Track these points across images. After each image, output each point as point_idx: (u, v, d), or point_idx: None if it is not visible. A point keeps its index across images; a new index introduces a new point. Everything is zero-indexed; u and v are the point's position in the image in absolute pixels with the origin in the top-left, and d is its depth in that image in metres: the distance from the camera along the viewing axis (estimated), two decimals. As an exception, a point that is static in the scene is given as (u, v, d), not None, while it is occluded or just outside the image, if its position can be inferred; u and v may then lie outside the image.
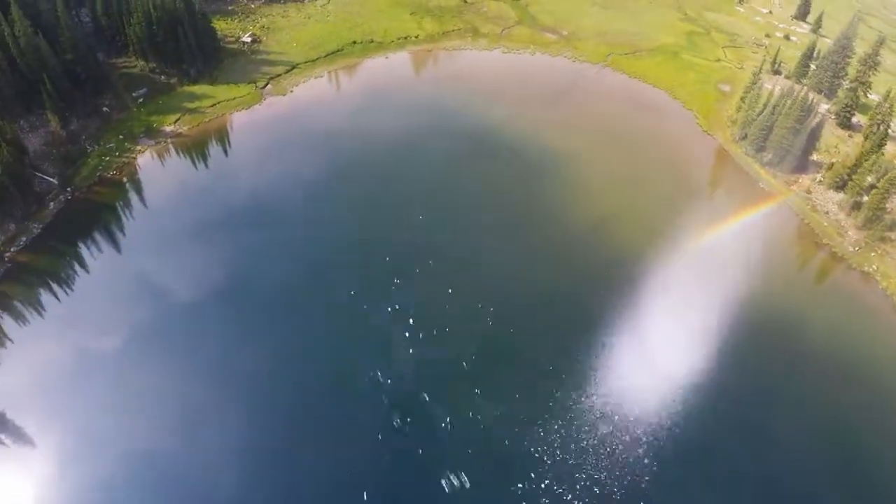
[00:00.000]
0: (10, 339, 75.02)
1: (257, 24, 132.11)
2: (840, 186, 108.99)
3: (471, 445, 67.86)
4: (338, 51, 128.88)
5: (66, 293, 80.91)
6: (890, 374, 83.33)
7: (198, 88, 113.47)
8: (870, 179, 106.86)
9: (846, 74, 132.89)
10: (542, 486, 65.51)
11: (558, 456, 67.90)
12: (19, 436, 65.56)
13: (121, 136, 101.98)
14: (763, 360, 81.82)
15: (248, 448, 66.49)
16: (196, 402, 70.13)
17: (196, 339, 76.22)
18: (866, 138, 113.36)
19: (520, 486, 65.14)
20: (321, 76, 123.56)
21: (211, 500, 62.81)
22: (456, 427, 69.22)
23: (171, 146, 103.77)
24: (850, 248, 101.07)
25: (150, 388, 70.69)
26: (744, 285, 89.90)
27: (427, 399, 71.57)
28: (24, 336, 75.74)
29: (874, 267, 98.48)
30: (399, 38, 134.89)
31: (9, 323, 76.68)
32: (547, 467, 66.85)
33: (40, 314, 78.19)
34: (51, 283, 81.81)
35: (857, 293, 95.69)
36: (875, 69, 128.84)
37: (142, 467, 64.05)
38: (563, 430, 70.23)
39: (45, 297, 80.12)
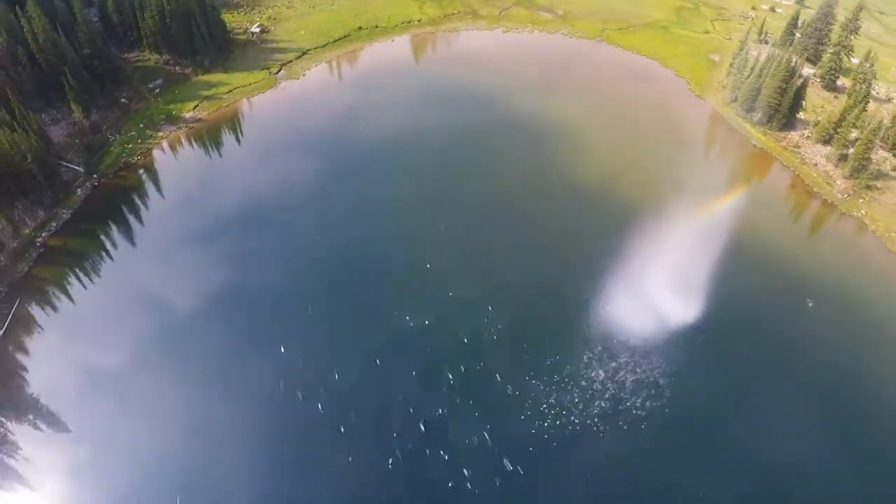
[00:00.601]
0: (44, 322, 75.80)
1: (264, 16, 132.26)
2: (826, 141, 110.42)
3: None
4: (345, 37, 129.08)
5: (99, 273, 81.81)
6: (882, 305, 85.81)
7: (212, 77, 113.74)
8: (854, 134, 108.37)
9: (829, 40, 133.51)
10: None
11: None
12: (54, 420, 66.28)
13: (141, 125, 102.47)
14: (763, 297, 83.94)
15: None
16: (236, 372, 70.94)
17: (231, 313, 76.97)
18: (850, 97, 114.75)
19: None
20: (331, 60, 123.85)
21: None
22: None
23: (192, 131, 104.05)
24: (840, 196, 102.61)
25: (187, 361, 71.66)
26: (743, 230, 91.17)
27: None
28: (59, 317, 76.66)
29: (863, 212, 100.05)
30: (402, 23, 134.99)
31: (44, 304, 77.52)
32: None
33: (75, 294, 78.90)
34: (84, 263, 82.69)
35: (849, 236, 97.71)
36: (856, 33, 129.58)
37: (184, 442, 64.85)
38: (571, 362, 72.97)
39: (78, 277, 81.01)
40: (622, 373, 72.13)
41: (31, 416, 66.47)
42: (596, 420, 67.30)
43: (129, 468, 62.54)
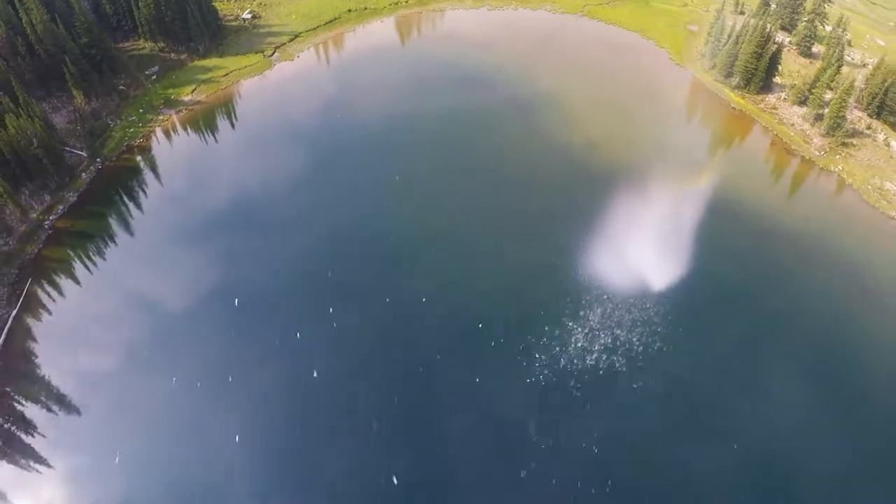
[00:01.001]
0: (55, 300, 76.77)
1: (254, 2, 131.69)
2: (802, 102, 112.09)
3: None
4: (335, 19, 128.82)
5: (107, 252, 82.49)
6: (860, 250, 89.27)
7: (208, 62, 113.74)
8: (829, 95, 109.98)
9: (804, 9, 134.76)
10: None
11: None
12: (67, 396, 67.15)
13: (141, 110, 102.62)
14: (748, 245, 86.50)
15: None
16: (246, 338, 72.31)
17: (239, 282, 77.96)
18: (823, 60, 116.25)
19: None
20: (324, 42, 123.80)
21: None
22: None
23: (192, 112, 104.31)
24: (817, 153, 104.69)
25: (198, 332, 73.22)
26: (726, 185, 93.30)
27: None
28: (69, 295, 77.52)
29: (840, 167, 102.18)
30: (391, 4, 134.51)
31: (55, 283, 78.34)
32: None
33: (84, 273, 79.77)
34: (92, 243, 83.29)
35: (828, 189, 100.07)
36: (830, 1, 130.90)
37: (202, 411, 66.02)
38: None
39: (87, 257, 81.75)
40: (605, 329, 73.82)
41: (44, 392, 67.25)
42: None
43: (144, 441, 63.12)
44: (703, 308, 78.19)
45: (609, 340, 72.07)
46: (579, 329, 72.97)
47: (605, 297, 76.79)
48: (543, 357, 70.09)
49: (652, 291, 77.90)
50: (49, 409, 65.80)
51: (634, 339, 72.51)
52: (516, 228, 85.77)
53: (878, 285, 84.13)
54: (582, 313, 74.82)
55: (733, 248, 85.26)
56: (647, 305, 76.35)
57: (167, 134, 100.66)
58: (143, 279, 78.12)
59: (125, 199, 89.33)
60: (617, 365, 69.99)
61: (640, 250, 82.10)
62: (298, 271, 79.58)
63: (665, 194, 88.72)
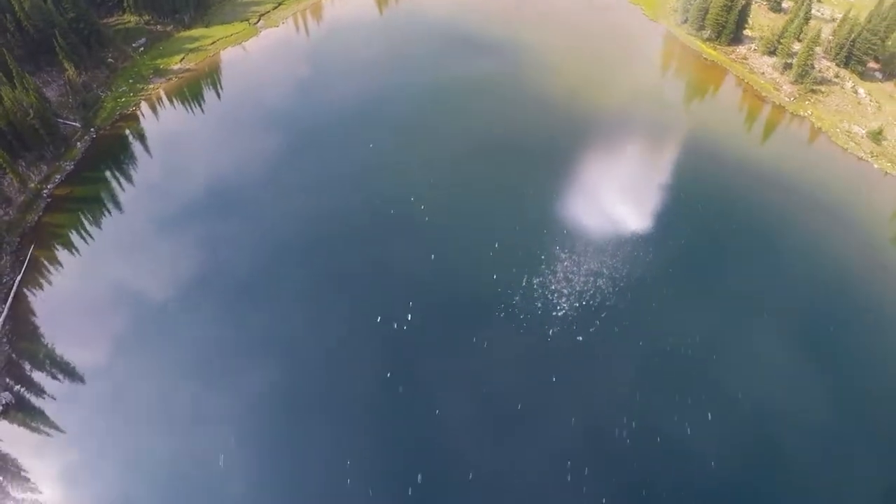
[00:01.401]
0: (59, 264, 77.18)
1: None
2: (772, 52, 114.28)
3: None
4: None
5: (107, 215, 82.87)
6: (833, 187, 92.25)
7: (194, 32, 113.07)
8: (797, 46, 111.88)
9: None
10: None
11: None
12: (72, 361, 67.35)
13: (131, 80, 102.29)
14: (725, 185, 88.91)
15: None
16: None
17: (239, 238, 79.14)
18: (791, 12, 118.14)
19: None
20: (307, 9, 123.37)
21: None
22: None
23: (182, 80, 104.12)
24: (787, 99, 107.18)
25: (200, 293, 73.52)
26: (701, 128, 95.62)
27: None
28: (73, 259, 77.89)
29: (809, 112, 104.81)
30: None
31: (58, 248, 78.71)
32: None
33: (86, 236, 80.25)
34: (91, 207, 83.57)
35: (798, 132, 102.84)
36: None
37: (208, 377, 66.29)
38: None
39: (87, 220, 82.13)
40: (582, 268, 75.93)
41: (52, 354, 67.75)
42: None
43: (153, 402, 63.75)
44: (684, 244, 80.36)
45: (588, 279, 74.27)
46: (560, 272, 74.82)
47: (583, 236, 78.93)
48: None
49: (630, 230, 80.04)
50: (57, 371, 66.34)
51: (613, 277, 74.71)
52: (503, 174, 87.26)
53: (850, 218, 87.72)
54: (558, 255, 76.78)
55: (710, 186, 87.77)
56: (626, 245, 78.45)
57: (159, 101, 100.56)
58: (144, 239, 78.70)
59: (121, 164, 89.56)
60: (593, 299, 72.39)
61: (619, 190, 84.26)
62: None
63: (642, 137, 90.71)
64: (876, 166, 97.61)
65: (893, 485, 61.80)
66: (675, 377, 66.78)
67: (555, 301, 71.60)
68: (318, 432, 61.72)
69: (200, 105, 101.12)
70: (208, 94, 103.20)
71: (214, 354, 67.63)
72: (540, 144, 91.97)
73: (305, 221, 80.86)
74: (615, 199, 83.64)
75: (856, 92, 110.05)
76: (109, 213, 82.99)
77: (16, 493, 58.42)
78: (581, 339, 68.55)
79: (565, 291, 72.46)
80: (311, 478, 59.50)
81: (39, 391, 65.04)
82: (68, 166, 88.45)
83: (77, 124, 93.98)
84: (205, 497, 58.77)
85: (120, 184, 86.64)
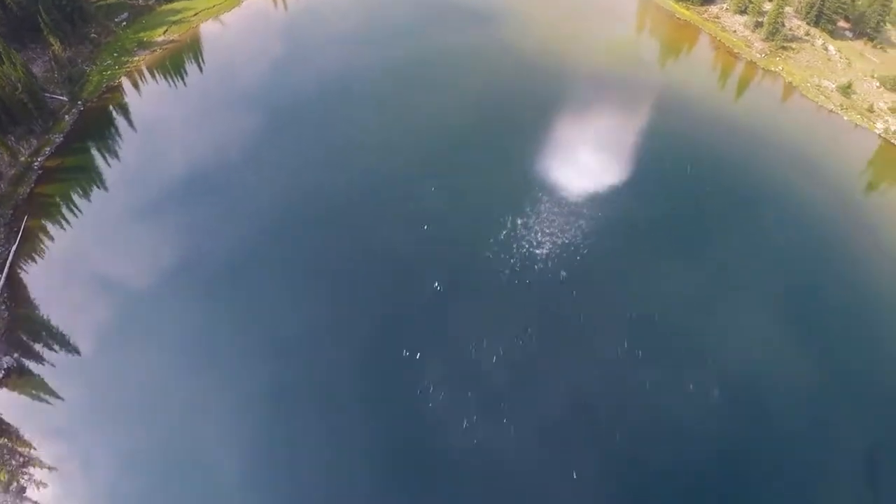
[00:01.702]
0: (53, 234, 77.34)
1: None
2: (743, 11, 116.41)
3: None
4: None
5: (99, 183, 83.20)
6: (805, 137, 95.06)
7: (176, 5, 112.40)
8: (767, 6, 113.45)
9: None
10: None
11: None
12: (68, 333, 67.35)
13: (115, 54, 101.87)
14: (700, 137, 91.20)
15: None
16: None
17: (232, 207, 79.29)
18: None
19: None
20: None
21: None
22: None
23: (167, 51, 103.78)
24: (758, 55, 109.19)
25: (196, 260, 73.59)
26: (678, 86, 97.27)
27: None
28: (67, 228, 78.20)
29: (780, 68, 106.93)
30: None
31: (51, 217, 78.84)
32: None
33: (79, 204, 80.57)
34: (83, 176, 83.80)
35: (770, 86, 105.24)
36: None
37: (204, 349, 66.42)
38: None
39: (80, 189, 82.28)
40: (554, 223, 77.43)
41: (50, 322, 68.02)
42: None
43: (153, 369, 64.00)
44: (660, 196, 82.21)
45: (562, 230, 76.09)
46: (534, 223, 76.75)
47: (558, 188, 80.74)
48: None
49: (609, 186, 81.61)
50: (56, 338, 66.74)
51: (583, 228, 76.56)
52: (481, 126, 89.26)
53: (823, 168, 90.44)
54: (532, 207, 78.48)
55: (685, 138, 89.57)
56: (603, 202, 79.97)
57: (145, 72, 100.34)
58: (136, 207, 78.96)
59: (110, 134, 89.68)
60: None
61: (594, 143, 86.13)
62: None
63: (620, 95, 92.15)
64: (846, 118, 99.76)
65: (874, 449, 62.28)
66: (652, 341, 67.45)
67: (530, 256, 73.23)
68: (311, 396, 62.64)
69: (186, 75, 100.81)
70: (193, 64, 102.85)
71: (216, 322, 68.20)
72: (522, 107, 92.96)
73: (292, 183, 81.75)
74: (593, 156, 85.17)
75: (826, 49, 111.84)
76: (100, 182, 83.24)
77: (15, 458, 58.98)
78: (553, 311, 69.41)
79: (543, 252, 74.06)
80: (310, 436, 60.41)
81: (38, 357, 65.56)
82: (57, 139, 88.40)
83: (64, 98, 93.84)
84: (203, 463, 58.99)
85: (110, 153, 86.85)
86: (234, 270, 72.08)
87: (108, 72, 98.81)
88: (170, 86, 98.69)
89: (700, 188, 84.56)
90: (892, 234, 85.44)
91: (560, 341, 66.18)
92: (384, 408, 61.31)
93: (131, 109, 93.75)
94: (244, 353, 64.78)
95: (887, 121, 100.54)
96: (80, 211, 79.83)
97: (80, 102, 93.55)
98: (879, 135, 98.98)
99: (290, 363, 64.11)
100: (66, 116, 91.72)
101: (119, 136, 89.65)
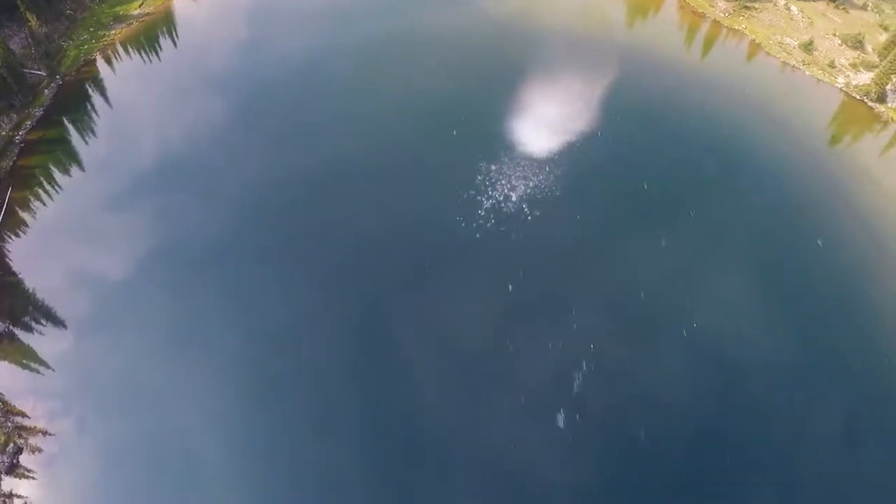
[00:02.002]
0: (38, 204, 77.89)
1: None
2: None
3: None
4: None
5: (82, 152, 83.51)
6: (768, 90, 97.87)
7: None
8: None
9: None
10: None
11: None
12: (53, 303, 67.72)
13: (92, 28, 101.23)
14: (664, 89, 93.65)
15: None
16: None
17: (215, 171, 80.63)
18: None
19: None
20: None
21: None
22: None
23: (143, 23, 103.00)
24: (722, 15, 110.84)
25: (181, 224, 74.83)
26: (645, 43, 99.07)
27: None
28: (52, 197, 78.62)
29: (744, 26, 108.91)
30: None
31: (36, 188, 79.14)
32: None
33: (63, 175, 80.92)
34: (66, 147, 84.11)
35: (734, 43, 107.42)
36: None
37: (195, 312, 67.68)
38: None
39: (63, 159, 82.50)
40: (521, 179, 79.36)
41: (38, 293, 68.46)
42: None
43: (143, 341, 64.77)
44: (630, 151, 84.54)
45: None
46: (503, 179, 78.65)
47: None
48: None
49: (576, 143, 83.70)
50: (41, 311, 67.21)
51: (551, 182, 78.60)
52: (455, 86, 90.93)
53: (787, 120, 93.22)
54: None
55: (652, 93, 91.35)
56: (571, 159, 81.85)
57: (122, 45, 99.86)
58: (120, 177, 79.48)
59: (91, 105, 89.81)
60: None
61: (565, 99, 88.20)
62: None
63: (589, 52, 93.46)
64: (808, 73, 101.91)
65: (853, 413, 63.77)
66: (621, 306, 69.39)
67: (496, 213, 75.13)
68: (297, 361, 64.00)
69: (164, 46, 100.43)
70: (171, 34, 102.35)
71: (204, 292, 68.95)
72: (494, 66, 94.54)
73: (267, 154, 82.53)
74: (563, 111, 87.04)
75: (788, 9, 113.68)
76: (82, 154, 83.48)
77: (10, 421, 59.96)
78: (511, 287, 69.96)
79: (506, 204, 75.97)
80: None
81: (27, 327, 66.20)
82: (38, 112, 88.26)
83: (42, 73, 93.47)
84: (190, 428, 59.72)
85: (91, 124, 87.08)
86: (217, 242, 72.97)
87: (86, 46, 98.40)
88: (148, 57, 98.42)
89: (669, 143, 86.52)
90: (858, 188, 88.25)
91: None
92: (374, 388, 62.07)
93: (109, 82, 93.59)
94: (226, 323, 65.95)
95: (848, 76, 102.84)
96: (63, 183, 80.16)
97: (58, 77, 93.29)
98: (841, 89, 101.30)
99: (275, 341, 64.72)
100: (46, 91, 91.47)
101: (98, 108, 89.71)
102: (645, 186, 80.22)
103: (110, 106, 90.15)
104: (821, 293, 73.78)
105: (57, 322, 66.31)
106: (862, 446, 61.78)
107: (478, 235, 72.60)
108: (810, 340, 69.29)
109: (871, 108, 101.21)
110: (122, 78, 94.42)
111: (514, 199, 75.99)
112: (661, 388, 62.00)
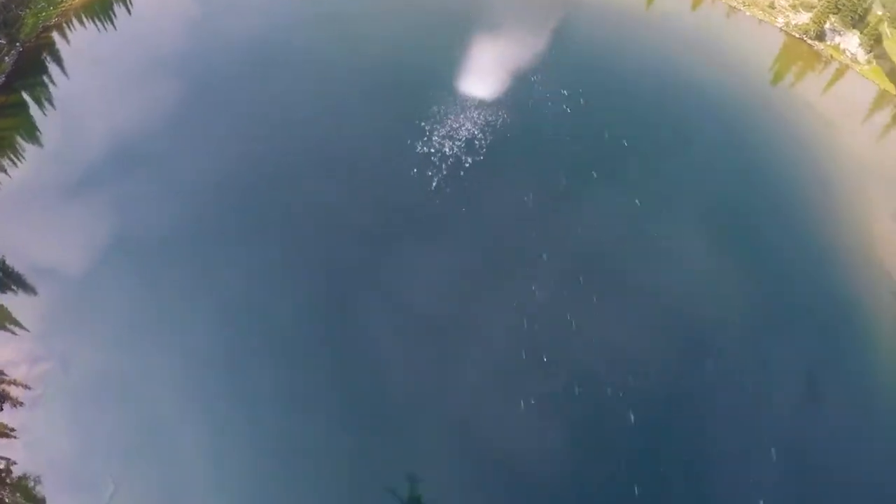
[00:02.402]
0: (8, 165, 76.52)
1: None
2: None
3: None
4: None
5: (48, 113, 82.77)
6: (708, 33, 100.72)
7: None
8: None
9: None
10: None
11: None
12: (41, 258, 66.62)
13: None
14: (610, 35, 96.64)
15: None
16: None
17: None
18: None
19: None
20: None
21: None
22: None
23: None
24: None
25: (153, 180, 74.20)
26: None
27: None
28: (22, 158, 77.58)
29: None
30: None
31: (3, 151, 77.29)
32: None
33: (30, 137, 79.80)
34: (30, 110, 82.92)
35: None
36: None
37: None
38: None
39: (29, 122, 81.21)
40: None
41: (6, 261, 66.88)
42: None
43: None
44: (578, 95, 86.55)
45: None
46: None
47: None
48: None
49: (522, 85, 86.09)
50: (11, 277, 65.70)
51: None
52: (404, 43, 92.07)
53: (733, 59, 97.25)
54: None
55: (597, 39, 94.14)
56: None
57: (81, 9, 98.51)
58: (91, 130, 79.13)
59: (53, 69, 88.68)
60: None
61: (515, 50, 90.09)
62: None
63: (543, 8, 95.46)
64: (748, 14, 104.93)
65: (812, 371, 64.85)
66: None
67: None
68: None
69: (113, 21, 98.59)
70: (120, 7, 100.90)
71: (180, 249, 68.07)
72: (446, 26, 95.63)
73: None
74: (506, 62, 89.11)
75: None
76: (49, 113, 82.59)
77: None
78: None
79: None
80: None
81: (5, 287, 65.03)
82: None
83: (2, 41, 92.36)
84: (172, 385, 58.55)
85: (55, 86, 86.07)
86: (177, 211, 71.55)
87: (44, 13, 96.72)
88: (110, 18, 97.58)
89: (620, 88, 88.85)
90: (803, 123, 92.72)
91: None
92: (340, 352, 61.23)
93: (73, 45, 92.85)
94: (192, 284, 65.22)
95: (788, 16, 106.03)
96: (28, 148, 79.07)
97: (18, 44, 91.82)
98: (781, 28, 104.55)
99: (236, 311, 63.47)
100: (6, 58, 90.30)
101: (60, 71, 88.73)
102: (607, 136, 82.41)
103: (71, 67, 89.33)
104: (766, 226, 77.38)
105: (27, 287, 64.91)
106: (819, 393, 63.34)
107: (433, 187, 73.95)
108: (759, 274, 72.01)
109: (811, 45, 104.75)
110: (85, 39, 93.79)
111: (459, 149, 77.50)
112: (617, 341, 62.93)
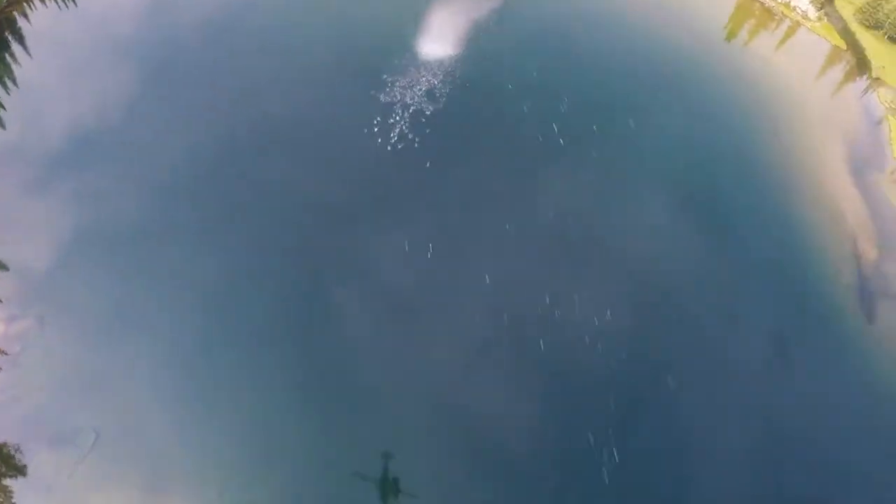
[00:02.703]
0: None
1: None
2: None
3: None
4: None
5: (19, 84, 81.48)
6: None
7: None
8: None
9: None
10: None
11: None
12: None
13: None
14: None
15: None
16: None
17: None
18: None
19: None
20: None
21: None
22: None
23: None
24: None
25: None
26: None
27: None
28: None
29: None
30: None
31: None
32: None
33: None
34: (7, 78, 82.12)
35: None
36: None
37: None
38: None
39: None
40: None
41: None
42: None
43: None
44: (533, 58, 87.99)
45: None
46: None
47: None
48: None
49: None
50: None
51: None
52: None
53: (692, 17, 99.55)
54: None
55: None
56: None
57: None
58: (54, 106, 78.26)
59: (21, 41, 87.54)
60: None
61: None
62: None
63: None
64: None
65: (779, 333, 65.69)
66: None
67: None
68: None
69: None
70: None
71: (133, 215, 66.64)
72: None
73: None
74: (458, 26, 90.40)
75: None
76: (20, 84, 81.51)
77: None
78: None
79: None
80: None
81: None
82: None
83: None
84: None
85: (23, 59, 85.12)
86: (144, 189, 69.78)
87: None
88: (60, 7, 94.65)
89: (574, 49, 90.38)
90: (760, 79, 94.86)
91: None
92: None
93: (38, 19, 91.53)
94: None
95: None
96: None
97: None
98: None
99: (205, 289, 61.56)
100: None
101: (27, 43, 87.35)
102: (566, 100, 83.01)
103: (40, 40, 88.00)
104: (728, 184, 79.16)
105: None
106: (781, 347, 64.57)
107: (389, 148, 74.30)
108: (716, 229, 73.72)
109: (762, 2, 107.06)
110: (50, 13, 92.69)
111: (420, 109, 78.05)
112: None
